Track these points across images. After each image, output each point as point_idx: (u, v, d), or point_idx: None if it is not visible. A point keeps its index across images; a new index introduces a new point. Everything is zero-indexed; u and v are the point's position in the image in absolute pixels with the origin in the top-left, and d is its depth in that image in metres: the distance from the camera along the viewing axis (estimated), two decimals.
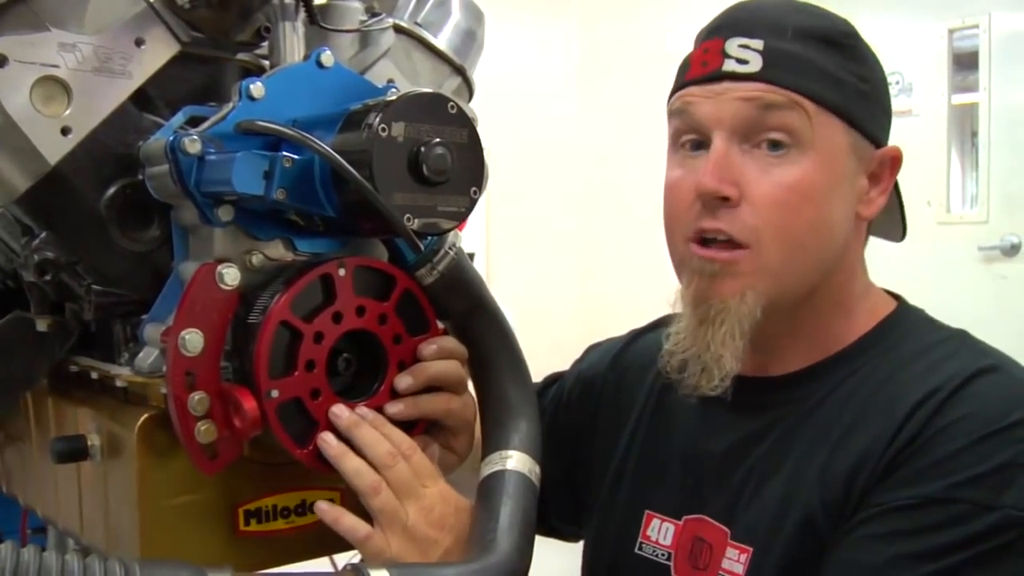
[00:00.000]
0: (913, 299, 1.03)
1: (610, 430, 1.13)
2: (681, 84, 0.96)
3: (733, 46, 0.91)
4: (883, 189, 0.96)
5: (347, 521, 0.87)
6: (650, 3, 4.51)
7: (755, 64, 0.90)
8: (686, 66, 0.96)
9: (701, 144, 0.93)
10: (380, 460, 0.86)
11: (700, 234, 0.92)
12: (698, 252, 0.92)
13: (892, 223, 1.04)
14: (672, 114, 0.97)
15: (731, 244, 0.91)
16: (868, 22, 3.74)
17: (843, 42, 0.93)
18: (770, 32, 0.91)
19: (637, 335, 1.21)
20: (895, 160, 0.96)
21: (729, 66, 0.91)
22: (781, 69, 0.90)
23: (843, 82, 0.91)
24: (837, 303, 0.97)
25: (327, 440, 0.86)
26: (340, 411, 0.87)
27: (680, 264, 0.96)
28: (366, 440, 0.87)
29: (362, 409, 0.89)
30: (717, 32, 0.93)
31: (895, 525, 0.83)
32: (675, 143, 0.97)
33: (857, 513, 0.86)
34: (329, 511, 0.88)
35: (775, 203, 0.90)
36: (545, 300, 4.75)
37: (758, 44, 0.90)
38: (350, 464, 0.86)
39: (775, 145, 0.90)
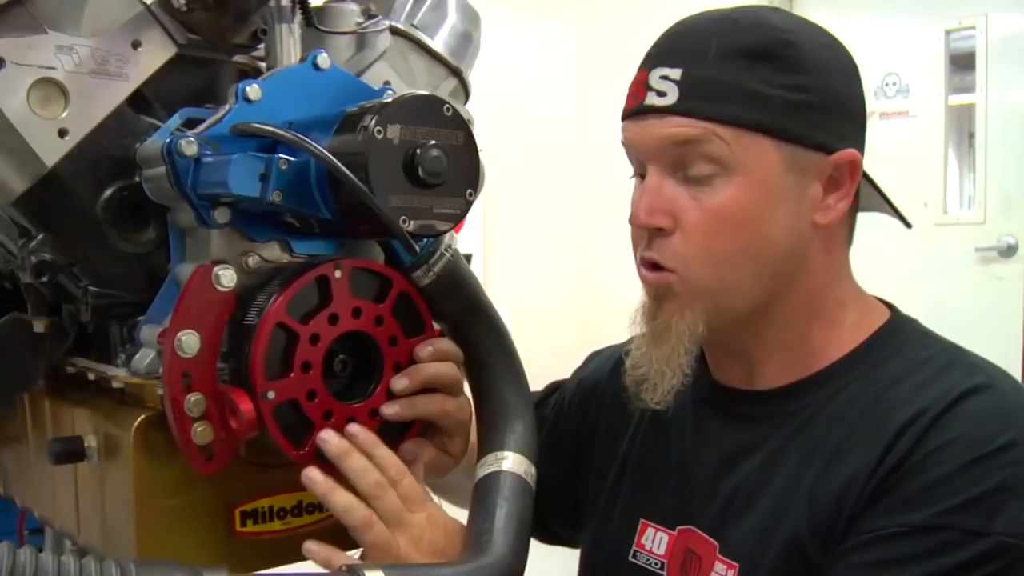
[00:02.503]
0: (910, 300, 1.02)
1: (610, 437, 1.13)
2: (623, 115, 0.96)
3: (655, 78, 0.91)
4: (844, 194, 0.93)
5: (339, 560, 0.87)
6: (648, 4, 4.52)
7: (671, 96, 0.90)
8: (627, 96, 0.97)
9: (644, 174, 0.95)
10: (368, 491, 0.86)
11: (643, 261, 0.95)
12: (642, 275, 0.96)
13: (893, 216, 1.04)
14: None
15: (662, 268, 0.94)
16: (865, 23, 3.76)
17: (776, 53, 0.90)
18: (690, 57, 0.90)
19: None
20: (853, 164, 0.93)
21: (650, 99, 0.91)
22: (697, 98, 0.89)
23: (769, 97, 0.89)
24: (813, 313, 0.96)
25: (313, 478, 0.86)
26: (329, 437, 0.86)
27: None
28: (354, 470, 0.86)
29: (353, 427, 0.88)
30: (646, 62, 0.94)
31: (885, 554, 0.83)
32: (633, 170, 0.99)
33: (846, 538, 0.86)
34: (319, 552, 0.87)
35: (703, 230, 0.91)
36: (542, 302, 4.75)
37: (676, 74, 0.90)
38: (339, 500, 0.86)
39: (699, 175, 0.90)
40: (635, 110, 0.93)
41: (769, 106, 0.89)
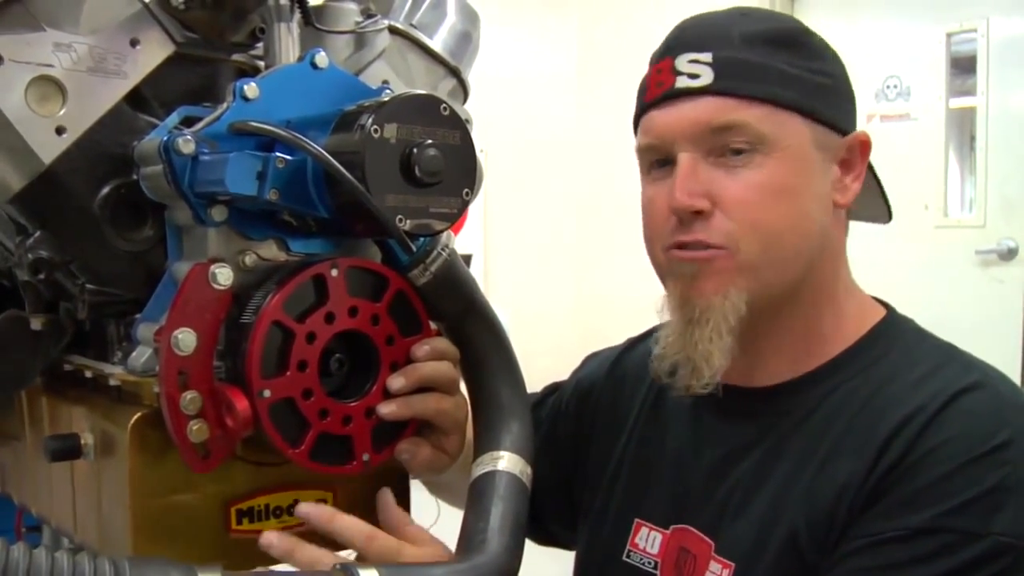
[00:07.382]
0: (910, 303, 1.03)
1: (606, 438, 1.13)
2: (642, 108, 0.97)
3: (683, 62, 0.92)
4: (857, 175, 0.97)
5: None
6: (649, 3, 4.52)
7: (706, 77, 0.91)
8: (643, 90, 0.98)
9: (668, 161, 0.95)
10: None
11: (678, 245, 0.94)
12: (677, 255, 0.94)
13: (876, 206, 1.05)
14: (639, 140, 0.98)
15: (707, 247, 0.92)
16: (866, 26, 3.76)
17: (793, 40, 0.94)
18: (717, 43, 0.92)
19: (633, 343, 1.21)
20: (864, 144, 0.97)
21: (682, 83, 0.92)
22: (732, 78, 0.91)
23: (796, 78, 0.92)
24: (826, 296, 0.97)
25: (271, 542, 0.84)
26: (269, 541, 0.85)
27: (663, 274, 0.98)
28: (305, 563, 0.85)
29: (302, 507, 0.87)
30: (667, 51, 0.95)
31: (885, 558, 0.83)
32: (644, 165, 0.99)
33: (844, 539, 0.86)
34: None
35: (746, 204, 0.91)
36: (542, 302, 4.75)
37: (707, 57, 0.92)
38: (306, 555, 0.84)
39: (738, 151, 0.91)
40: (665, 95, 0.93)
41: (796, 86, 0.92)
